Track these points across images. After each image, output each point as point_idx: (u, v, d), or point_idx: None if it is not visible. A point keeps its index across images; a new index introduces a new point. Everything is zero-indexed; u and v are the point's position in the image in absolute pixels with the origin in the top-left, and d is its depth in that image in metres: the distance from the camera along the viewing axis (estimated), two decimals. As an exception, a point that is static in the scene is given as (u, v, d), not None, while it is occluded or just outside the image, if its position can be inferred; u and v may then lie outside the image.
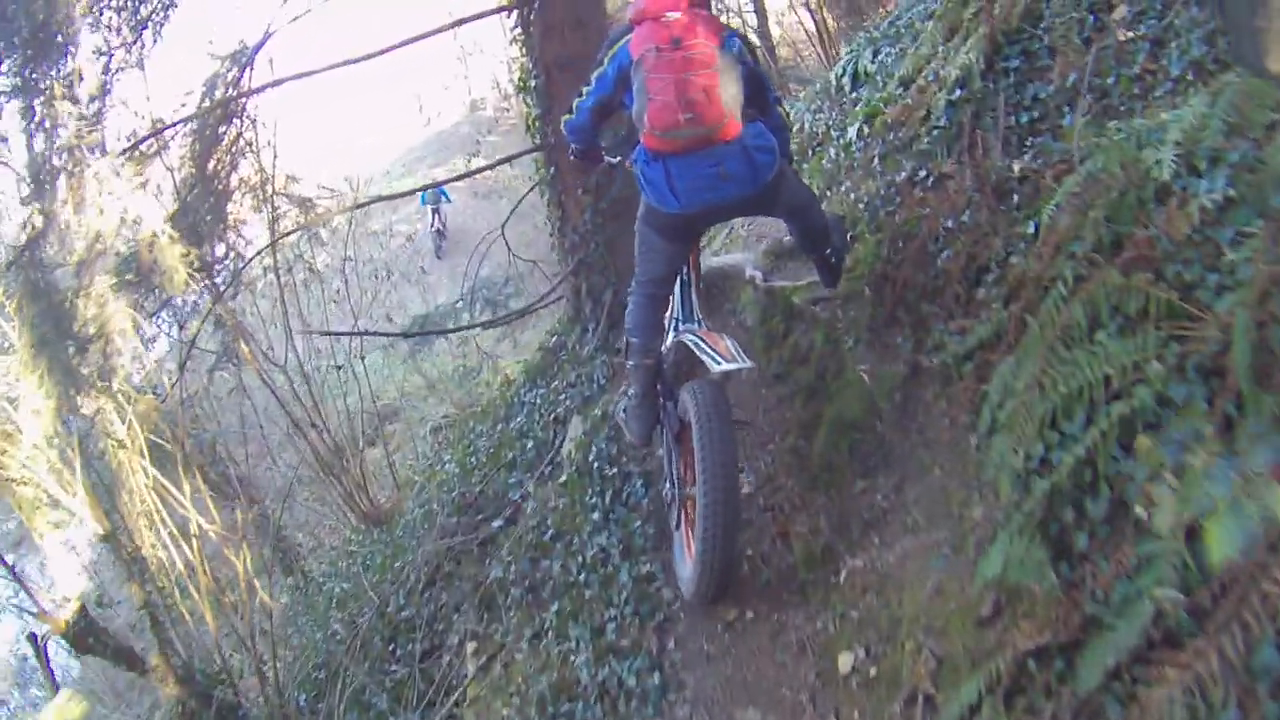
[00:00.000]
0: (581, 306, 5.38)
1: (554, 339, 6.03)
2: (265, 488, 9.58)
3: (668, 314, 3.51)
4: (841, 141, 5.35)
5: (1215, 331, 2.06)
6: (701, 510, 2.80)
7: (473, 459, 6.16)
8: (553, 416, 5.36)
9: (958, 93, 4.10)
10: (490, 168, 5.23)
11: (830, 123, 5.90)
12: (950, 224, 3.61)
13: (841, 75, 6.28)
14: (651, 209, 3.06)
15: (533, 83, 5.14)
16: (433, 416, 10.92)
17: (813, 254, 3.58)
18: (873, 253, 4.23)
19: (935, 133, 4.12)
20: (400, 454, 11.29)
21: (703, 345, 3.09)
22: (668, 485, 3.34)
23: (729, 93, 2.78)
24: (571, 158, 3.48)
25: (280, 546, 8.70)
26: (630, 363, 3.30)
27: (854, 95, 5.82)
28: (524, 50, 5.20)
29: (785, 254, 5.02)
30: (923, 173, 4.11)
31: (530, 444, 5.36)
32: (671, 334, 3.50)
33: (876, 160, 4.58)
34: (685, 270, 3.51)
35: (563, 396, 5.35)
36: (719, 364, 2.95)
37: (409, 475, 8.49)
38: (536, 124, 5.23)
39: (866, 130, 4.94)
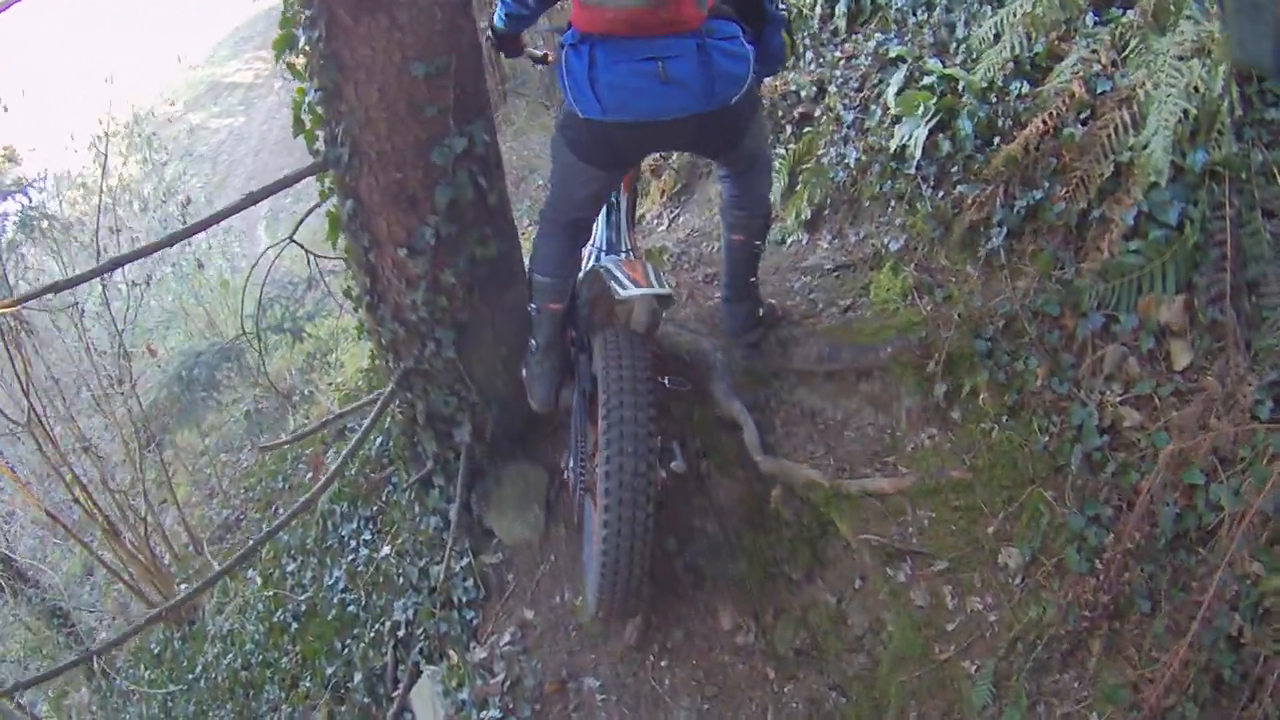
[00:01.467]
0: (419, 445, 3.04)
1: (379, 441, 3.70)
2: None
3: (588, 244, 2.78)
4: (872, 138, 3.09)
5: None
6: (603, 495, 2.17)
7: (281, 615, 3.95)
8: (389, 625, 3.15)
9: (1198, 157, 1.96)
10: (235, 210, 2.61)
11: (830, 81, 3.56)
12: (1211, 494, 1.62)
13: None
14: (569, 115, 2.20)
15: (303, 37, 2.53)
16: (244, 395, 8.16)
17: (737, 256, 2.67)
18: (1012, 467, 2.16)
19: (1152, 236, 2.00)
20: (211, 442, 8.55)
21: (614, 272, 2.41)
22: (572, 462, 2.63)
23: None
24: (487, 39, 2.57)
25: (69, 637, 6.27)
26: (533, 306, 2.65)
27: (868, 43, 3.48)
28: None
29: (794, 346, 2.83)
30: (1128, 319, 2.02)
31: (358, 675, 3.16)
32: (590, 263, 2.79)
33: (998, 237, 2.41)
34: (615, 191, 2.82)
35: (401, 601, 3.12)
36: (624, 289, 2.30)
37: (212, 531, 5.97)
38: (316, 120, 2.66)
39: (949, 147, 2.70)
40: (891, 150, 2.92)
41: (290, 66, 2.62)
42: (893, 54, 3.28)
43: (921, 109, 2.85)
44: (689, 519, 2.88)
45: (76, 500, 5.21)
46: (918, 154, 2.77)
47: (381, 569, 3.37)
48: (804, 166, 3.43)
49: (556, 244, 2.54)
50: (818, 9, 3.91)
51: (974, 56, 2.93)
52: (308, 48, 2.54)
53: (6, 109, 4.69)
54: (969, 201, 2.56)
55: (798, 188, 3.43)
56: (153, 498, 5.74)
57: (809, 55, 3.77)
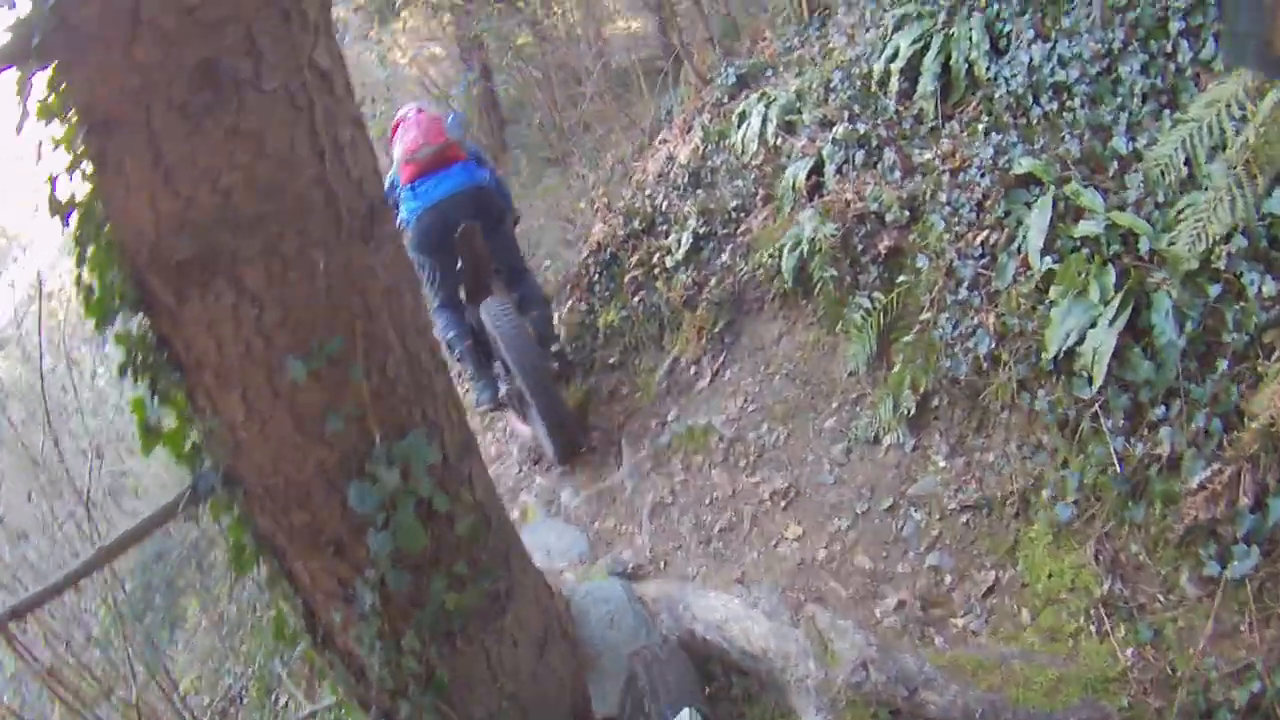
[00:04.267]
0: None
1: None
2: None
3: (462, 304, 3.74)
4: (1009, 319, 2.10)
5: None
6: (528, 389, 3.25)
7: None
8: None
9: None
10: (92, 568, 1.82)
11: (926, 198, 2.56)
12: None
13: (892, 67, 2.85)
14: (411, 231, 3.43)
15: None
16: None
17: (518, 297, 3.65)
18: None
19: None
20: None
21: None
22: (504, 386, 3.66)
23: (451, 133, 3.49)
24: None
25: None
26: (455, 352, 3.65)
27: (975, 143, 2.47)
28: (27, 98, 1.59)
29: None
30: None
31: None
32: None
33: (1243, 560, 1.44)
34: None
35: None
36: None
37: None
38: (182, 425, 1.80)
39: (1149, 369, 1.72)
40: (1050, 352, 1.93)
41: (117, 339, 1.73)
42: (1021, 169, 2.27)
43: (1096, 291, 1.86)
44: None
45: (64, 701, 4.60)
46: (1100, 375, 1.78)
47: None
48: (900, 336, 2.45)
49: (445, 313, 3.61)
50: (894, 83, 2.90)
51: (1157, 195, 1.93)
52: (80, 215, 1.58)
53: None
54: (1194, 485, 1.57)
55: (895, 367, 2.45)
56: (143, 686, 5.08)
57: (888, 155, 2.76)
